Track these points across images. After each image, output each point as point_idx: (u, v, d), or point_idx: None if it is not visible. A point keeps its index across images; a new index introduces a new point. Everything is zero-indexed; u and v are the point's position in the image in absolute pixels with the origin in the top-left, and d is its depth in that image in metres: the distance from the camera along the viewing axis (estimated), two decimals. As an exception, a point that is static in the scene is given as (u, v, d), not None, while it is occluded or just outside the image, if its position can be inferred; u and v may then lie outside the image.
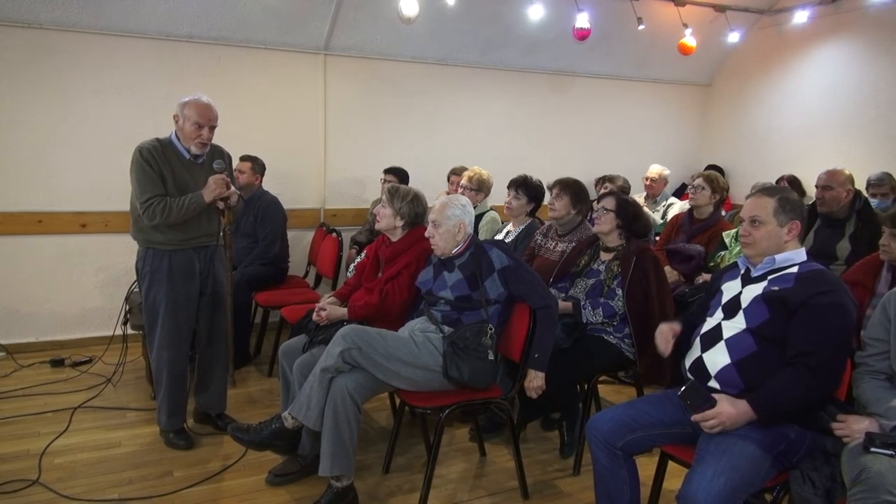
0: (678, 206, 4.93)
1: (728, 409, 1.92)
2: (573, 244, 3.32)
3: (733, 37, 5.49)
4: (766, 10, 5.61)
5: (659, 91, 6.14)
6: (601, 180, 5.23)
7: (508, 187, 3.74)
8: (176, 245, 2.86)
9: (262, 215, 4.19)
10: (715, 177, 4.07)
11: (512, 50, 5.27)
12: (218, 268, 3.01)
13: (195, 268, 2.92)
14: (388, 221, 2.93)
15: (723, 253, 3.69)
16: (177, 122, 2.85)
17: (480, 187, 4.13)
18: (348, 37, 4.74)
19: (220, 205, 2.84)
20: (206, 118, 2.80)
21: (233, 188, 2.86)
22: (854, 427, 1.86)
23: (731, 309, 2.12)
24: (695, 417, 1.96)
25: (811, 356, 1.90)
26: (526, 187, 3.68)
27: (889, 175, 4.41)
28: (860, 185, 4.18)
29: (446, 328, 2.62)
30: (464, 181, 4.14)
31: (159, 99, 4.17)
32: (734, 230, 3.75)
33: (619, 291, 2.88)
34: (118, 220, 4.24)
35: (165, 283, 2.85)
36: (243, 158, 4.23)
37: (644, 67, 5.89)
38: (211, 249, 2.98)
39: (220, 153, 3.00)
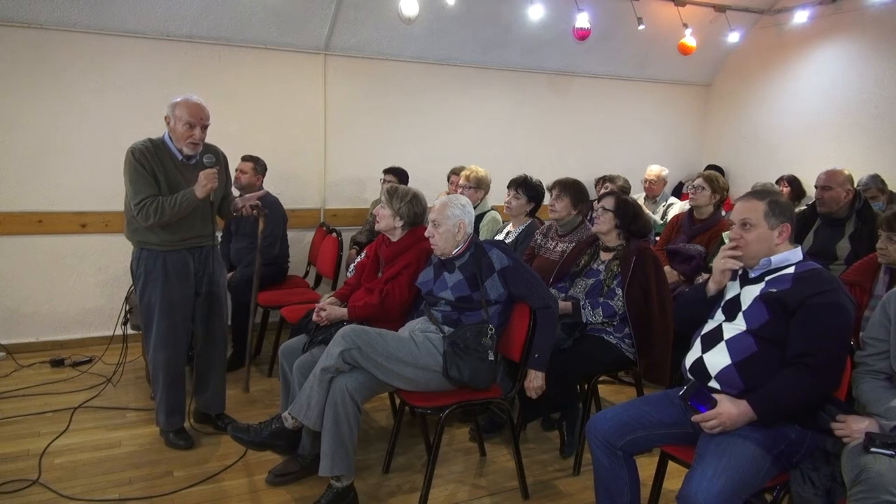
0: (678, 207, 4.93)
1: (729, 410, 1.92)
2: (573, 244, 3.32)
3: (733, 37, 5.49)
4: (766, 10, 5.61)
5: (659, 91, 6.14)
6: (601, 180, 5.23)
7: (508, 187, 3.74)
8: (170, 246, 2.86)
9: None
10: (715, 177, 4.07)
11: (512, 50, 5.28)
12: (214, 268, 3.01)
13: (190, 268, 2.91)
14: (388, 222, 2.93)
15: (722, 253, 3.69)
16: (168, 123, 2.84)
17: (479, 185, 4.13)
18: (348, 37, 4.74)
19: (211, 197, 2.81)
20: (198, 117, 2.79)
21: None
22: (854, 427, 1.86)
23: (731, 310, 2.12)
24: (695, 418, 1.96)
25: (811, 356, 1.91)
26: (526, 187, 3.68)
27: (875, 177, 4.41)
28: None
29: (446, 328, 2.62)
30: (461, 181, 4.14)
31: (159, 99, 4.12)
32: (734, 230, 3.75)
33: (619, 291, 2.88)
34: (118, 220, 4.21)
35: (160, 283, 2.85)
36: (245, 158, 4.23)
37: (644, 67, 5.89)
38: (206, 250, 2.97)
39: (215, 152, 2.99)
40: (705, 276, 3.59)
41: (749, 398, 1.94)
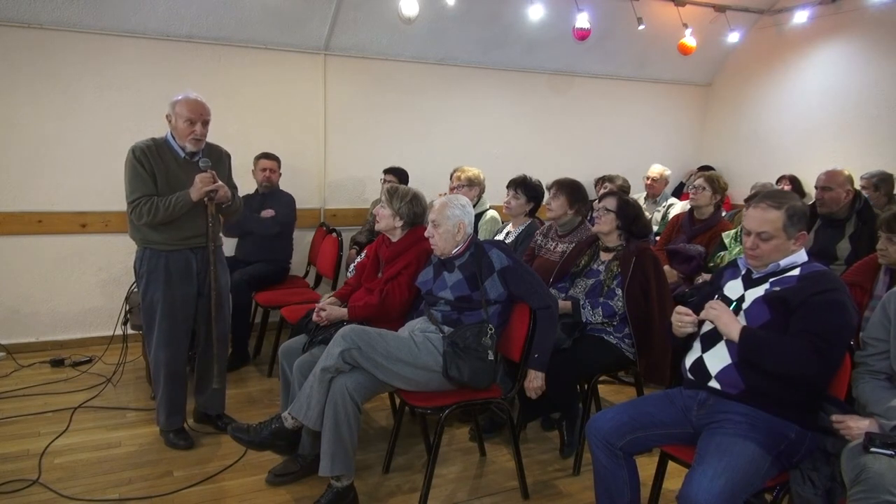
0: (679, 207, 4.94)
1: (729, 315, 2.02)
2: (573, 244, 3.32)
3: (733, 37, 5.49)
4: (766, 10, 5.61)
5: (659, 91, 6.14)
6: (601, 180, 5.23)
7: (508, 187, 3.74)
8: (173, 245, 2.85)
9: (276, 207, 4.26)
10: (717, 177, 4.07)
11: (512, 50, 5.27)
12: (217, 268, 3.00)
13: (192, 268, 2.91)
14: (388, 222, 2.93)
15: (722, 253, 3.70)
16: (170, 121, 2.84)
17: (471, 183, 4.13)
18: (348, 37, 4.74)
19: (205, 198, 2.80)
20: (198, 113, 2.79)
21: (219, 182, 2.82)
22: (854, 426, 1.86)
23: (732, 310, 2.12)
24: (710, 303, 2.06)
25: (815, 337, 1.90)
26: (525, 187, 3.68)
27: (887, 179, 4.37)
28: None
29: (446, 328, 2.62)
30: (454, 181, 4.16)
31: (160, 99, 4.12)
32: (734, 230, 3.75)
33: (619, 291, 2.88)
34: (118, 220, 4.24)
35: (162, 283, 2.85)
36: (270, 157, 4.30)
37: (644, 67, 5.89)
38: (209, 250, 2.97)
39: (217, 152, 3.00)
40: (705, 276, 3.60)
41: (745, 327, 1.99)
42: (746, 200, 3.73)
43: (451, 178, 4.63)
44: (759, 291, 2.08)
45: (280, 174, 4.38)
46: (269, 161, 4.29)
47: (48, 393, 3.59)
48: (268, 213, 4.22)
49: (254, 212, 4.18)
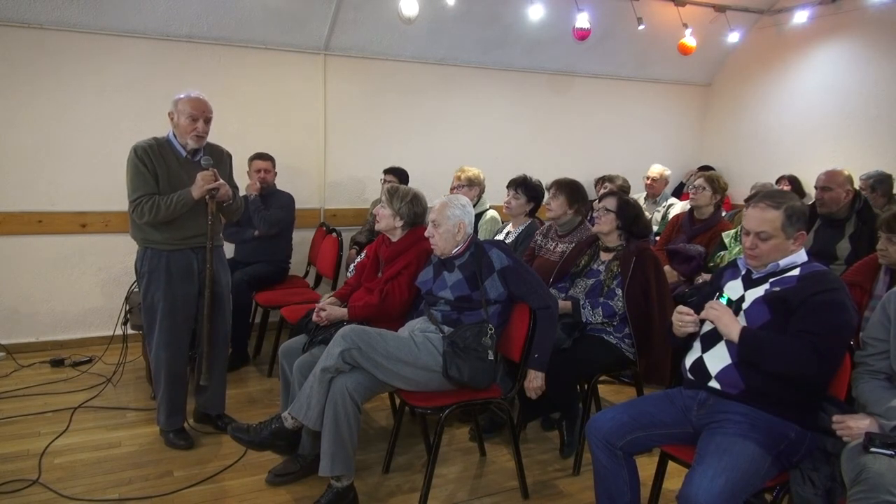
0: (679, 207, 4.94)
1: (730, 315, 2.02)
2: (573, 245, 3.32)
3: (733, 37, 5.50)
4: (766, 10, 5.61)
5: (659, 91, 6.14)
6: (601, 180, 5.24)
7: (508, 187, 3.75)
8: (174, 245, 2.86)
9: (275, 207, 4.24)
10: (717, 177, 4.07)
11: (512, 50, 5.28)
12: (218, 268, 3.00)
13: (193, 268, 2.91)
14: (388, 222, 2.93)
15: (722, 253, 3.70)
16: (172, 119, 2.86)
17: (471, 183, 4.13)
18: (348, 37, 4.74)
19: (206, 196, 2.81)
20: (200, 110, 2.81)
21: (221, 180, 2.83)
22: (854, 426, 1.86)
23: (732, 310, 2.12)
24: (710, 303, 2.06)
25: (814, 336, 1.90)
26: (525, 187, 3.68)
27: (885, 180, 4.36)
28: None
29: (446, 328, 2.62)
30: (454, 181, 4.17)
31: (159, 99, 4.14)
32: (734, 230, 3.75)
33: (619, 291, 2.88)
34: (118, 220, 4.24)
35: (163, 283, 2.85)
36: (264, 157, 4.26)
37: (644, 67, 5.89)
38: (207, 248, 2.97)
39: (219, 152, 3.00)
40: (705, 276, 3.60)
41: (745, 328, 1.99)
42: (746, 200, 3.74)
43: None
44: (758, 291, 2.08)
45: (275, 173, 4.34)
46: (262, 161, 4.25)
47: (48, 393, 3.59)
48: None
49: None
